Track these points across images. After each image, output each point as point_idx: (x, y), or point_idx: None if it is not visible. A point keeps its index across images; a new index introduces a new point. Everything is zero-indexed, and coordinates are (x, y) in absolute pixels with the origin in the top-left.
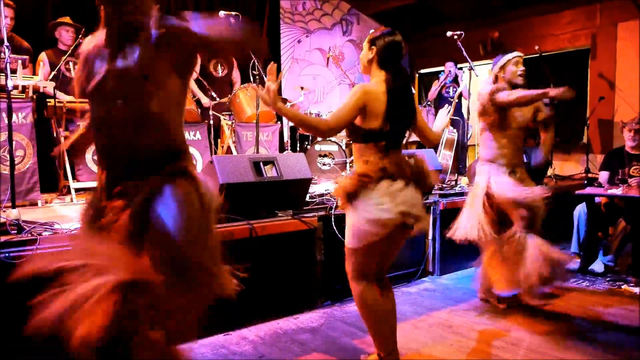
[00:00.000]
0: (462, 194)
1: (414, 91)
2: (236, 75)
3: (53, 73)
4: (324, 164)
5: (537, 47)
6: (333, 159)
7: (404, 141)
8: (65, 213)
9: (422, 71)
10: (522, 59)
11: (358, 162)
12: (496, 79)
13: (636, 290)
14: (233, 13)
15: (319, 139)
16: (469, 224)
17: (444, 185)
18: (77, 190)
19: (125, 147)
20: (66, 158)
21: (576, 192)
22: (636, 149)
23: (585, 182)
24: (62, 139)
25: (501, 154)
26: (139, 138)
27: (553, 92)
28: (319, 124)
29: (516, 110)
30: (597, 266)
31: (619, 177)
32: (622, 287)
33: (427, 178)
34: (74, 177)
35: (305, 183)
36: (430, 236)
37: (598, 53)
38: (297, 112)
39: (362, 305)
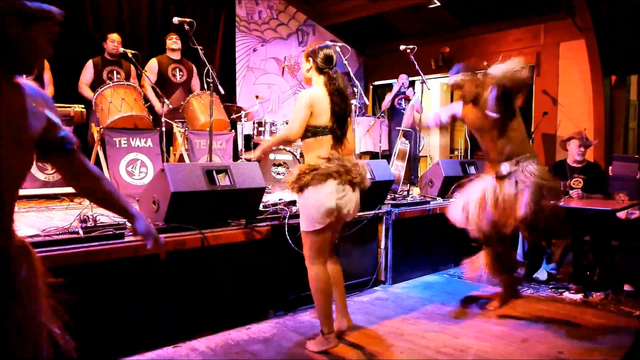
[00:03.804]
0: (414, 203)
1: (350, 90)
2: (195, 83)
3: None
4: (278, 173)
5: (485, 63)
6: (287, 168)
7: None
8: None
9: (376, 83)
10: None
11: (309, 155)
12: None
13: (576, 297)
14: (187, 20)
15: (274, 147)
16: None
17: (397, 196)
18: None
19: None
20: None
21: None
22: (578, 162)
23: None
24: None
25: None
26: None
27: None
28: (287, 135)
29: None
30: (541, 274)
31: (561, 189)
32: (564, 294)
33: (363, 181)
34: None
35: (259, 192)
36: (382, 246)
37: (542, 70)
38: (269, 140)
39: (316, 287)
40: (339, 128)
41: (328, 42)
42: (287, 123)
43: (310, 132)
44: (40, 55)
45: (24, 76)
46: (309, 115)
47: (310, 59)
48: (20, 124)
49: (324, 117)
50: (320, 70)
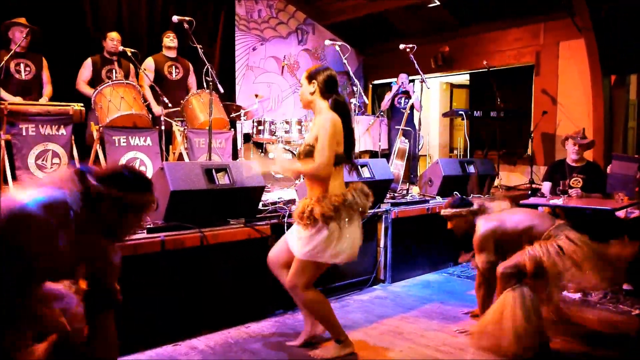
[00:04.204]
0: (413, 202)
1: (349, 90)
2: (192, 80)
3: None
4: (277, 173)
5: (485, 62)
6: None
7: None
8: None
9: (375, 82)
10: None
11: (330, 184)
12: None
13: (575, 296)
14: (187, 18)
15: (273, 146)
16: None
17: (396, 195)
18: None
19: None
20: (6, 161)
21: (521, 202)
22: (577, 162)
23: (530, 192)
24: (1, 142)
25: None
26: None
27: None
28: (317, 170)
29: None
30: None
31: (560, 188)
32: (563, 293)
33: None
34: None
35: (258, 191)
36: (382, 244)
37: (541, 70)
38: (294, 167)
39: (317, 308)
40: (348, 155)
41: (328, 67)
42: (287, 122)
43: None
44: (132, 231)
45: None
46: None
47: (315, 81)
48: None
49: (341, 145)
50: (324, 94)
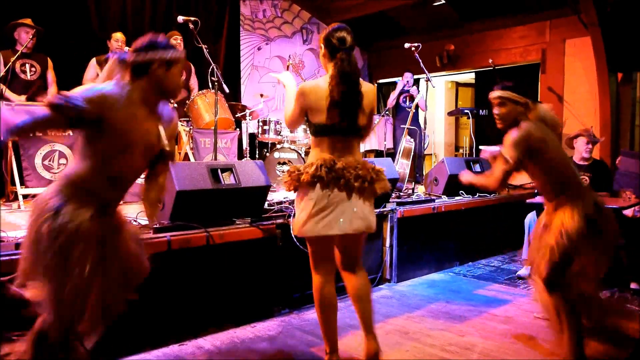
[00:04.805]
0: (419, 202)
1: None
2: (194, 81)
3: (1, 73)
4: (282, 172)
5: (490, 61)
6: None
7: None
8: (11, 220)
9: (381, 81)
10: None
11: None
12: None
13: None
14: (192, 19)
15: (278, 146)
16: None
17: (401, 194)
18: (25, 196)
19: None
20: (14, 162)
21: (527, 200)
22: (584, 160)
23: (536, 191)
24: (9, 143)
25: None
26: None
27: None
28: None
29: None
30: None
31: None
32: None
33: (374, 184)
34: (22, 183)
35: (264, 191)
36: (387, 244)
37: (547, 67)
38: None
39: (315, 298)
40: (342, 124)
41: (343, 25)
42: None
43: (312, 130)
44: (179, 88)
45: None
46: (303, 111)
47: (322, 44)
48: (154, 144)
49: (322, 114)
50: (331, 57)
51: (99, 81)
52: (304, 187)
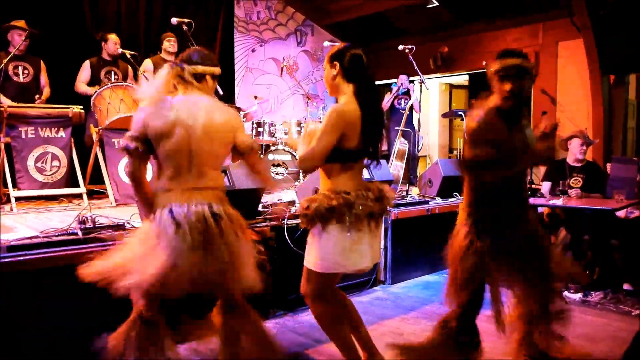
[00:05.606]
0: (413, 203)
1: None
2: None
3: None
4: (277, 174)
5: (484, 63)
6: (286, 168)
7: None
8: (4, 223)
9: (378, 82)
10: None
11: (328, 182)
12: None
13: (576, 296)
14: (186, 20)
15: (273, 148)
16: None
17: (396, 196)
18: (17, 199)
19: None
20: (6, 164)
21: None
22: (577, 161)
23: (529, 192)
24: (1, 145)
25: None
26: None
27: None
28: (300, 160)
29: None
30: None
31: (560, 188)
32: (563, 293)
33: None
34: (15, 185)
35: (258, 192)
36: (382, 245)
37: (541, 70)
38: (295, 140)
39: (325, 325)
40: (368, 150)
41: (355, 44)
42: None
43: (338, 156)
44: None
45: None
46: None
47: (336, 63)
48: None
49: (355, 140)
50: (348, 77)
51: (152, 86)
52: (337, 219)
